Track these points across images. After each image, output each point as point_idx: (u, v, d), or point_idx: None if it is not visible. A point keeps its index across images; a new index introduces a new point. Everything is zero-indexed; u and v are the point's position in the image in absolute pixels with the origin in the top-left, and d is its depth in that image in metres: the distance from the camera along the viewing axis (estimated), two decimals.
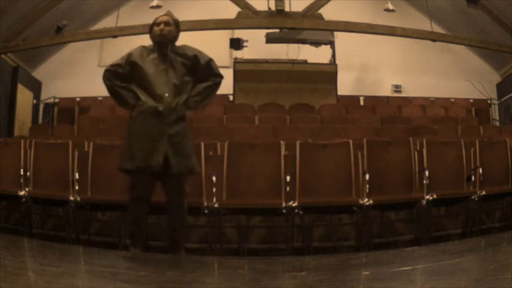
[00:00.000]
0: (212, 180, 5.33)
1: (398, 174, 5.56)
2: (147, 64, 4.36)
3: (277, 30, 10.87)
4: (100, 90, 10.84)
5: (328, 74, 11.16)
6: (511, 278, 2.61)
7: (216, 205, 5.19)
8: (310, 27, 10.52)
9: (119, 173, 4.46)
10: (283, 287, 3.19)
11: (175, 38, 4.49)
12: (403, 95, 12.56)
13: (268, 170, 5.52)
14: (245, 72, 11.03)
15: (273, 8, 10.19)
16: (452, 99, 11.78)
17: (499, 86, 12.45)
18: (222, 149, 5.92)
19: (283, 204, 5.18)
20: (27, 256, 3.92)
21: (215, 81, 4.55)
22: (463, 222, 5.75)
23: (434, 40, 10.46)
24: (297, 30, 10.73)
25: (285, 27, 10.53)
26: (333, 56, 11.50)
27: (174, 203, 4.39)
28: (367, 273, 3.56)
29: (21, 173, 5.76)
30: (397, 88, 12.86)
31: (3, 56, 10.51)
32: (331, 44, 11.35)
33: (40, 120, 12.22)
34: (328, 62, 11.52)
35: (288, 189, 5.36)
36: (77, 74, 12.40)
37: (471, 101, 11.77)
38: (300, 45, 11.40)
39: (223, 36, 11.75)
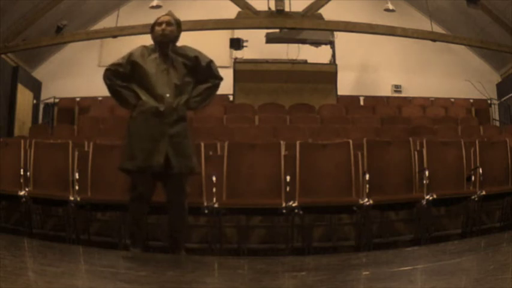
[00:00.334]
0: (212, 180, 5.33)
1: (398, 174, 5.56)
2: (148, 64, 4.36)
3: (277, 30, 10.87)
4: (100, 90, 10.81)
5: (328, 74, 11.16)
6: (511, 278, 2.61)
7: (216, 205, 5.19)
8: (310, 27, 10.52)
9: (119, 173, 4.46)
10: (283, 287, 3.19)
11: (177, 38, 4.50)
12: (403, 95, 12.56)
13: (268, 170, 5.52)
14: (245, 72, 11.03)
15: (273, 8, 10.19)
16: (452, 99, 11.77)
17: (499, 86, 12.45)
18: (222, 149, 5.92)
19: (283, 204, 5.18)
20: (27, 256, 3.92)
21: (215, 83, 4.56)
22: (463, 222, 5.75)
23: (434, 40, 10.46)
24: (297, 30, 10.73)
25: (285, 27, 10.53)
26: (333, 56, 11.50)
27: (175, 203, 4.39)
28: (367, 273, 3.56)
29: (21, 173, 5.75)
30: (397, 88, 12.86)
31: (3, 56, 10.51)
32: (331, 44, 11.35)
33: (40, 120, 12.22)
34: (328, 62, 11.52)
35: (288, 189, 5.36)
36: (77, 74, 12.40)
37: (471, 101, 11.77)
38: (300, 45, 11.40)
39: (223, 36, 11.75)
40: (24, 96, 11.64)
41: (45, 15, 10.40)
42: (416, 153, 5.78)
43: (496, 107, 12.07)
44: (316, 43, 11.24)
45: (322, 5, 10.26)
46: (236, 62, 11.30)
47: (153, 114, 4.29)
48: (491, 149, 6.06)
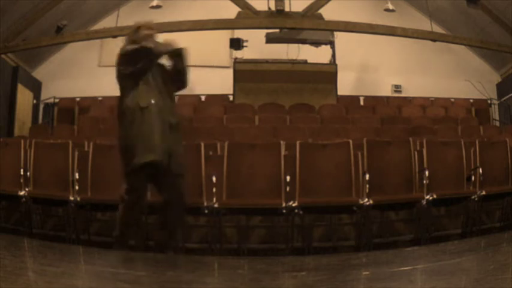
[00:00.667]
0: (212, 180, 5.33)
1: (398, 174, 5.56)
2: None
3: (277, 30, 10.86)
4: (100, 90, 10.78)
5: (328, 74, 11.15)
6: (511, 278, 2.61)
7: (216, 205, 5.19)
8: (310, 27, 10.52)
9: (119, 173, 4.47)
10: (283, 287, 3.19)
11: None
12: (403, 95, 12.55)
13: (268, 170, 5.52)
14: (245, 72, 11.02)
15: (273, 8, 10.19)
16: (452, 99, 11.77)
17: (499, 86, 12.45)
18: (222, 149, 5.92)
19: (283, 204, 5.18)
20: (27, 256, 3.92)
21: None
22: (463, 222, 5.75)
23: (434, 40, 10.46)
24: (297, 30, 10.72)
25: (285, 27, 10.52)
26: (333, 56, 11.49)
27: (174, 203, 4.41)
28: (367, 273, 3.56)
29: (21, 173, 5.76)
30: (397, 88, 12.85)
31: (3, 56, 10.51)
32: (331, 44, 11.34)
33: (40, 120, 12.21)
34: (328, 62, 11.51)
35: (288, 189, 5.36)
36: (77, 74, 12.39)
37: (471, 101, 11.76)
38: (300, 45, 11.39)
39: (223, 36, 11.75)
40: (24, 96, 11.63)
41: (45, 15, 10.39)
42: (416, 153, 5.78)
43: (496, 107, 12.06)
44: (316, 43, 11.23)
45: (322, 5, 10.25)
46: (236, 62, 11.30)
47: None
48: (491, 149, 6.06)
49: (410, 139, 5.90)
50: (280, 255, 5.22)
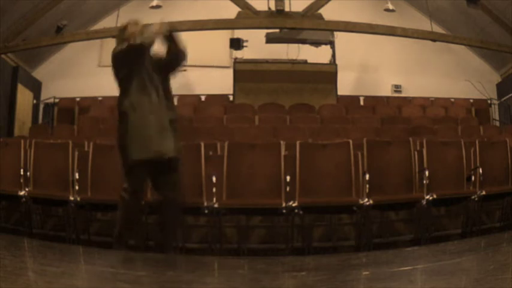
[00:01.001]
0: (212, 180, 5.33)
1: (398, 174, 5.56)
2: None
3: (277, 30, 10.86)
4: (100, 90, 10.76)
5: (328, 74, 11.15)
6: (511, 278, 2.61)
7: (216, 205, 5.19)
8: (310, 27, 10.52)
9: (119, 173, 4.48)
10: (283, 287, 3.19)
11: None
12: (403, 95, 12.55)
13: (268, 170, 5.52)
14: (245, 72, 11.03)
15: (273, 8, 10.19)
16: (452, 99, 11.77)
17: (499, 86, 12.44)
18: (222, 149, 5.92)
19: (283, 204, 5.18)
20: (27, 256, 3.92)
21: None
22: (463, 222, 5.75)
23: (434, 40, 10.45)
24: (297, 30, 10.72)
25: (285, 27, 10.52)
26: (333, 56, 11.49)
27: (170, 202, 4.42)
28: (367, 273, 3.56)
29: (21, 173, 5.76)
30: (397, 88, 12.85)
31: (3, 56, 10.50)
32: (331, 44, 11.34)
33: (40, 120, 12.21)
34: (328, 62, 11.51)
35: (288, 189, 5.36)
36: (77, 74, 12.39)
37: (471, 101, 11.76)
38: (300, 45, 11.39)
39: (223, 36, 11.75)
40: (24, 96, 11.63)
41: (45, 15, 10.39)
42: (416, 153, 5.78)
43: (496, 107, 12.06)
44: (316, 43, 11.23)
45: (322, 5, 10.25)
46: (236, 62, 11.30)
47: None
48: (491, 149, 6.06)
49: (410, 139, 5.90)
50: (280, 255, 5.22)
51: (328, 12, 10.39)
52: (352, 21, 10.28)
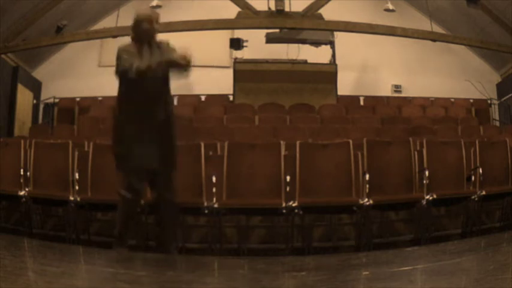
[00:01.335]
0: (212, 180, 5.33)
1: (398, 174, 5.56)
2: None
3: (277, 30, 10.86)
4: (100, 90, 10.76)
5: (328, 74, 11.15)
6: (511, 278, 2.61)
7: (216, 205, 5.19)
8: (310, 27, 10.52)
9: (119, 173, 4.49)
10: (283, 287, 3.19)
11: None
12: (403, 95, 12.55)
13: (268, 170, 5.52)
14: (245, 72, 11.03)
15: (273, 8, 10.19)
16: (452, 99, 11.77)
17: (499, 86, 12.44)
18: (222, 149, 5.91)
19: (283, 204, 5.18)
20: (27, 256, 3.92)
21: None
22: (463, 222, 5.75)
23: (434, 40, 10.46)
24: (297, 30, 10.72)
25: (285, 27, 10.52)
26: (333, 56, 11.49)
27: (166, 201, 4.43)
28: (367, 273, 3.56)
29: (21, 173, 5.76)
30: (397, 88, 12.85)
31: (3, 56, 10.50)
32: (331, 44, 11.34)
33: (40, 120, 12.21)
34: (328, 62, 11.51)
35: (288, 189, 5.36)
36: (77, 74, 12.39)
37: (471, 101, 11.76)
38: (300, 45, 11.39)
39: (223, 36, 11.75)
40: (24, 96, 11.63)
41: (45, 15, 10.39)
42: (416, 153, 5.78)
43: (496, 107, 12.06)
44: (316, 43, 11.23)
45: (322, 5, 10.25)
46: (236, 62, 11.30)
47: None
48: (491, 149, 6.06)
49: (410, 139, 5.90)
50: (280, 255, 5.22)
51: (328, 12, 10.39)
52: (352, 21, 10.28)
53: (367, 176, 5.34)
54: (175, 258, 4.35)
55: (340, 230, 5.91)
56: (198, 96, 11.71)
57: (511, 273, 2.74)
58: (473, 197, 5.50)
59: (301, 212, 5.17)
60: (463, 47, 12.03)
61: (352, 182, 5.43)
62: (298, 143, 5.58)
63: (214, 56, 12.34)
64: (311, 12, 10.23)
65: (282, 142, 5.76)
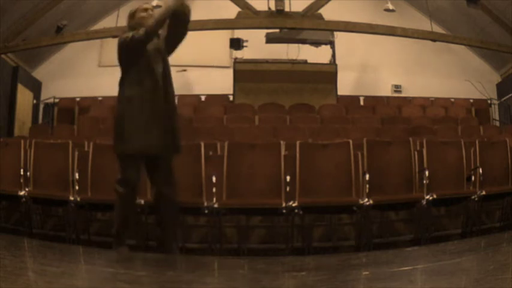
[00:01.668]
0: (212, 180, 5.33)
1: (398, 174, 5.56)
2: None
3: (277, 30, 10.86)
4: (100, 90, 10.77)
5: (328, 74, 11.16)
6: (511, 278, 2.61)
7: (216, 205, 5.19)
8: (310, 27, 10.52)
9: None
10: (283, 287, 3.19)
11: None
12: (403, 95, 12.56)
13: (268, 170, 5.52)
14: (245, 72, 11.03)
15: (273, 8, 10.19)
16: (452, 99, 11.77)
17: (499, 86, 12.45)
18: (222, 149, 5.92)
19: (283, 204, 5.18)
20: (27, 256, 3.91)
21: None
22: (463, 222, 5.75)
23: (434, 40, 10.46)
24: (297, 30, 10.73)
25: (285, 27, 10.53)
26: (333, 56, 11.50)
27: (165, 197, 4.40)
28: (367, 273, 3.56)
29: (21, 173, 5.76)
30: (397, 88, 12.86)
31: (3, 56, 10.51)
32: (331, 44, 11.34)
33: (40, 120, 12.22)
34: (328, 62, 11.52)
35: (288, 189, 5.36)
36: (77, 74, 12.39)
37: (471, 101, 11.76)
38: (300, 45, 11.40)
39: (223, 36, 11.75)
40: (24, 96, 11.64)
41: (45, 15, 10.39)
42: (416, 153, 5.78)
43: (496, 107, 12.06)
44: (316, 43, 11.24)
45: (322, 5, 10.25)
46: (236, 62, 11.30)
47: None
48: (491, 149, 6.07)
49: (410, 139, 5.91)
50: (280, 255, 5.22)
51: (328, 12, 10.39)
52: (352, 21, 10.28)
53: (367, 176, 5.34)
54: (176, 258, 4.35)
55: (340, 230, 5.91)
56: (198, 96, 11.71)
57: (511, 273, 2.74)
58: (473, 197, 5.50)
59: (301, 212, 5.17)
60: (463, 47, 12.03)
61: (352, 182, 5.43)
62: (298, 143, 5.58)
63: (214, 56, 12.35)
64: (311, 12, 10.23)
65: (282, 142, 5.77)
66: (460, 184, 5.77)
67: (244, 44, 11.31)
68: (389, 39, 11.39)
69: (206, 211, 5.20)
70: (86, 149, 6.25)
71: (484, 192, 5.51)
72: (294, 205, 5.14)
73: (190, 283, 3.14)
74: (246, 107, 10.52)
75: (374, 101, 11.63)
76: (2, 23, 9.59)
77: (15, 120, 11.18)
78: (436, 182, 5.56)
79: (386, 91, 12.64)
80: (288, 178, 5.40)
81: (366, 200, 5.16)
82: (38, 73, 12.56)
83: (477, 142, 6.07)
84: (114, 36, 10.28)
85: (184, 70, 11.64)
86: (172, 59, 4.60)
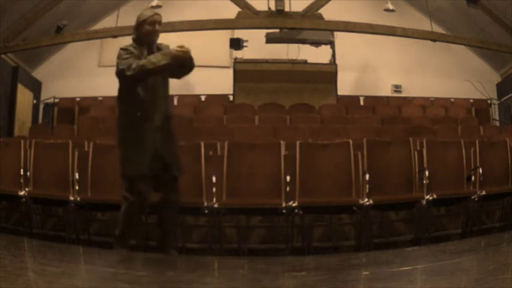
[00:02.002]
0: (212, 180, 5.33)
1: (398, 174, 5.56)
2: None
3: (277, 30, 10.86)
4: (100, 90, 10.77)
5: (328, 74, 11.16)
6: (511, 278, 2.61)
7: (216, 205, 5.19)
8: (310, 27, 10.52)
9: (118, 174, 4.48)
10: (283, 287, 3.19)
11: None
12: (403, 95, 12.56)
13: (268, 170, 5.52)
14: (245, 72, 11.03)
15: (273, 8, 10.19)
16: (452, 99, 11.77)
17: (499, 86, 12.45)
18: (222, 149, 5.92)
19: (283, 204, 5.18)
20: (27, 256, 3.92)
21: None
22: (463, 222, 5.75)
23: (434, 40, 10.46)
24: (297, 30, 10.73)
25: (285, 27, 10.52)
26: (333, 56, 11.50)
27: (168, 203, 4.42)
28: (367, 273, 3.56)
29: (21, 173, 5.76)
30: (397, 88, 12.85)
31: (3, 56, 10.51)
32: (331, 44, 11.34)
33: (40, 120, 12.21)
34: (328, 62, 11.52)
35: (288, 189, 5.36)
36: (77, 74, 12.39)
37: (471, 101, 11.76)
38: (300, 45, 11.40)
39: (223, 36, 11.75)
40: (24, 96, 11.64)
41: (45, 15, 10.39)
42: (416, 153, 5.78)
43: (496, 107, 12.06)
44: (316, 43, 11.24)
45: (322, 5, 10.25)
46: (236, 62, 11.30)
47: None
48: (491, 149, 6.07)
49: (410, 139, 5.90)
50: (280, 255, 5.22)
51: (328, 12, 10.39)
52: (352, 21, 10.28)
53: (367, 176, 5.34)
54: (176, 258, 4.35)
55: (340, 230, 5.91)
56: (198, 96, 11.71)
57: (511, 273, 2.74)
58: (473, 197, 5.50)
59: (301, 212, 5.17)
60: (463, 47, 12.03)
61: (352, 182, 5.43)
62: (298, 143, 5.58)
63: (214, 56, 12.34)
64: (311, 12, 10.23)
65: (282, 142, 5.76)
66: (460, 184, 5.77)
67: (244, 44, 11.31)
68: (389, 39, 11.39)
69: (206, 211, 5.19)
70: (86, 149, 6.25)
71: (484, 192, 5.51)
72: (294, 205, 5.14)
73: (190, 283, 3.14)
74: (246, 107, 10.52)
75: (374, 101, 11.63)
76: (2, 23, 9.59)
77: (15, 120, 11.18)
78: (436, 182, 5.56)
79: (386, 91, 12.64)
80: (288, 178, 5.40)
81: (366, 200, 5.16)
82: (38, 73, 12.56)
83: (477, 142, 6.07)
84: (114, 36, 10.31)
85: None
86: None
